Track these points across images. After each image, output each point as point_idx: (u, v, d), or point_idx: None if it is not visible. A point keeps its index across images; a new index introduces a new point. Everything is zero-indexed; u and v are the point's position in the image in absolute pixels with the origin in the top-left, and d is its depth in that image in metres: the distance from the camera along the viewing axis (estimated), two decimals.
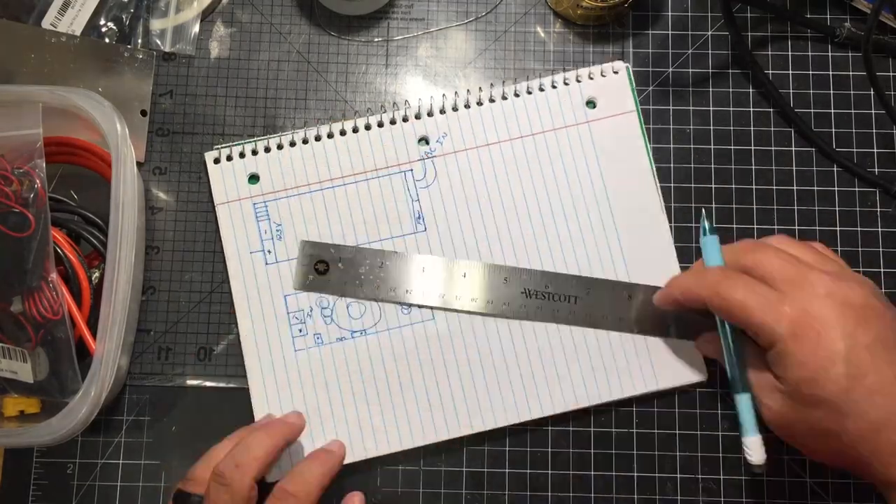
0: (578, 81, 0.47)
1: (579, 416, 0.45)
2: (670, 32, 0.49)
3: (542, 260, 0.45)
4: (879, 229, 0.47)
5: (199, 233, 0.47)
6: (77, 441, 0.45)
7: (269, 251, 0.45)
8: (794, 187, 0.47)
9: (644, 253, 0.45)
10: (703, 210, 0.44)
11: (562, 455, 0.45)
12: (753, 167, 0.47)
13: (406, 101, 0.47)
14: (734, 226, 0.46)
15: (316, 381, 0.44)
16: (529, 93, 0.46)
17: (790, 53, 0.48)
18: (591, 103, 0.47)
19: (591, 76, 0.47)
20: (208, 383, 0.45)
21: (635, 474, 0.45)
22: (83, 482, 0.44)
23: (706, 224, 0.41)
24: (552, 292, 0.44)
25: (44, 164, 0.42)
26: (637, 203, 0.46)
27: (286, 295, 0.45)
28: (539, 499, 0.44)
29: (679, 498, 0.44)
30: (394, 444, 0.44)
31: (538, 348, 0.44)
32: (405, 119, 0.46)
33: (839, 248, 0.46)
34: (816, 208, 0.47)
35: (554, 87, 0.47)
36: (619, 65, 0.47)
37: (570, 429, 0.45)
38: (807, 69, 0.48)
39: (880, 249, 0.46)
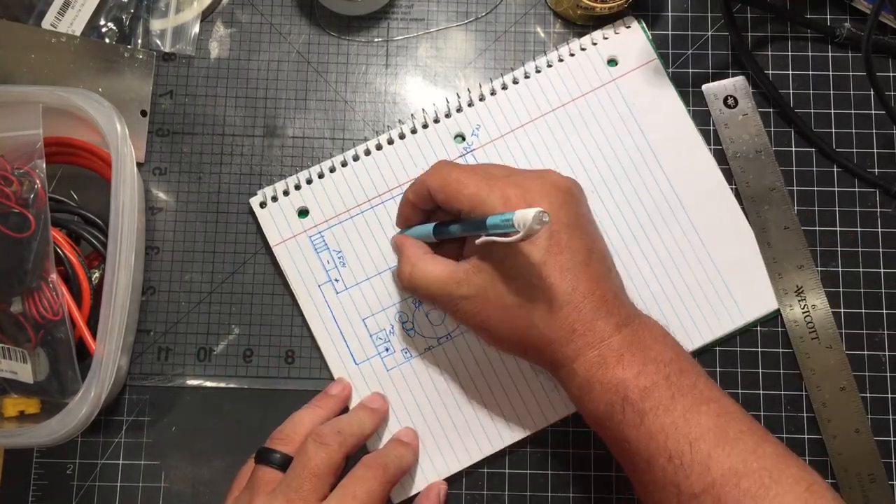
0: (595, 44, 0.47)
1: (579, 416, 0.45)
2: (670, 33, 0.49)
3: (603, 221, 0.45)
4: (879, 229, 0.47)
5: (199, 233, 0.47)
6: (77, 441, 0.45)
7: (337, 279, 0.45)
8: (795, 187, 0.47)
9: (698, 188, 0.46)
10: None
11: (562, 455, 0.45)
12: None
13: (433, 102, 0.47)
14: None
15: (416, 395, 0.44)
16: (550, 66, 0.47)
17: (790, 53, 0.48)
18: (612, 62, 0.47)
19: (606, 37, 0.47)
20: (208, 383, 0.45)
21: None
22: (83, 482, 0.44)
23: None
24: None
25: (44, 165, 0.42)
26: (680, 145, 0.46)
27: (364, 318, 0.45)
28: (539, 499, 0.44)
29: None
30: (496, 443, 0.44)
31: None
32: (436, 120, 0.46)
33: (839, 248, 0.46)
34: (816, 208, 0.47)
35: (572, 55, 0.47)
36: (630, 20, 0.48)
37: (570, 429, 0.45)
38: (807, 69, 0.48)
39: (880, 250, 0.46)
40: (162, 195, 0.47)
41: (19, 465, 0.44)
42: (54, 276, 0.41)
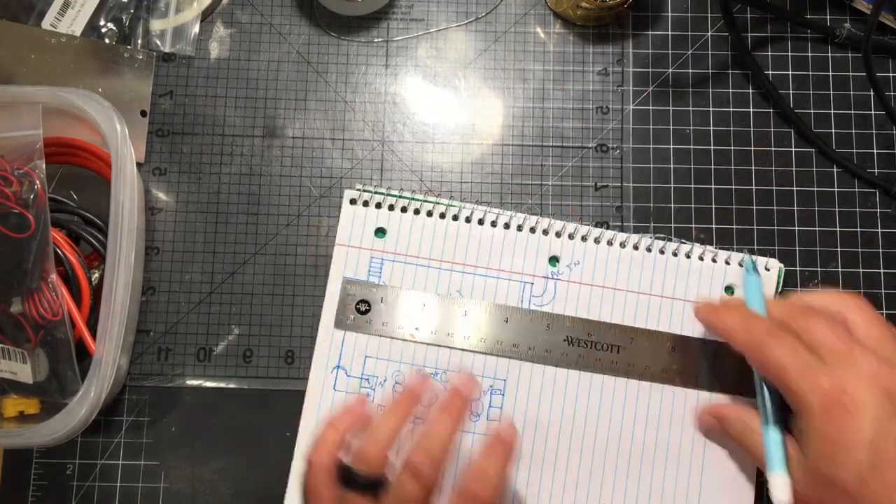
0: (727, 264, 0.45)
1: None
2: (670, 33, 0.49)
3: (625, 416, 0.44)
4: (879, 230, 0.47)
5: (199, 233, 0.47)
6: (77, 441, 0.45)
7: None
8: (794, 188, 0.47)
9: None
10: (747, 251, 0.44)
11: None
12: (753, 168, 0.47)
13: (539, 214, 0.46)
14: (734, 226, 0.47)
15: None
16: (675, 255, 0.45)
17: (790, 54, 0.48)
18: (729, 289, 0.45)
19: (741, 264, 0.45)
20: (208, 383, 0.45)
21: None
22: (83, 483, 0.44)
23: (751, 264, 0.42)
24: (595, 340, 0.44)
25: (44, 165, 0.42)
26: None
27: (366, 356, 0.44)
28: None
29: None
30: None
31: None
32: (545, 232, 0.45)
33: (839, 249, 0.46)
34: (816, 209, 0.47)
35: (701, 259, 0.45)
36: (774, 263, 0.45)
37: None
38: (807, 70, 0.48)
39: (880, 250, 0.46)
40: (162, 195, 0.47)
41: (19, 465, 0.45)
42: (54, 277, 0.41)
